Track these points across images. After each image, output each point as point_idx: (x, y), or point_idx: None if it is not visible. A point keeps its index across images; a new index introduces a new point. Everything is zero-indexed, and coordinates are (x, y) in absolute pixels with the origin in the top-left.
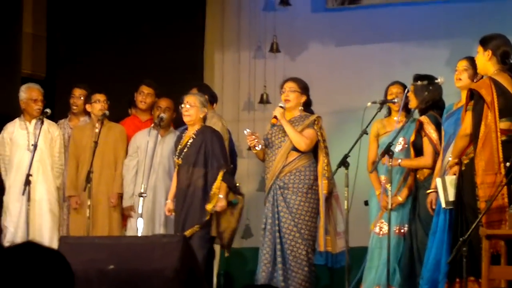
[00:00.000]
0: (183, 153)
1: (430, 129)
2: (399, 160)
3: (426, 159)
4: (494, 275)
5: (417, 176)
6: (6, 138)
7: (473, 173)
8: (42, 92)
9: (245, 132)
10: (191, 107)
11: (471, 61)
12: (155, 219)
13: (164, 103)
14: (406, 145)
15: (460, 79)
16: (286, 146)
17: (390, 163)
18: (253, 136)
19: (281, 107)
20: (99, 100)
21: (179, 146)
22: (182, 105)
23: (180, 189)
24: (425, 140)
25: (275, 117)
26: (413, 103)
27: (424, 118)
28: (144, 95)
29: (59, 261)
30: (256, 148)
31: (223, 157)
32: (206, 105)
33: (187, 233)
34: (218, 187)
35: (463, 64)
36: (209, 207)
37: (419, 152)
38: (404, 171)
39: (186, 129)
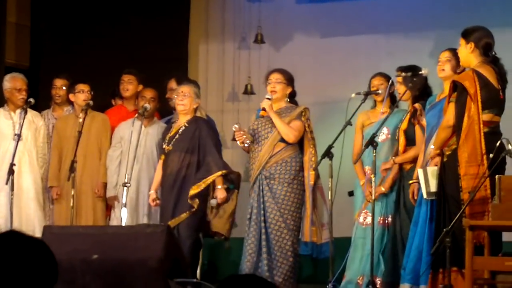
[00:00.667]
0: (173, 140)
1: (422, 117)
2: (392, 159)
3: (418, 148)
4: (477, 266)
5: (403, 165)
6: None
7: (455, 164)
8: (26, 82)
9: (233, 128)
10: (186, 96)
11: (454, 52)
12: (138, 209)
13: (148, 93)
14: (389, 135)
15: (443, 70)
16: (273, 137)
17: (386, 167)
18: (241, 132)
19: (268, 99)
20: (83, 90)
21: (169, 134)
22: (176, 95)
23: (170, 175)
24: (417, 128)
25: (263, 109)
26: (401, 93)
27: (418, 105)
28: (124, 83)
29: (42, 250)
30: (245, 144)
31: (219, 153)
32: (199, 97)
33: (174, 221)
34: (208, 183)
35: (445, 55)
36: (192, 191)
37: (410, 140)
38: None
39: (172, 119)
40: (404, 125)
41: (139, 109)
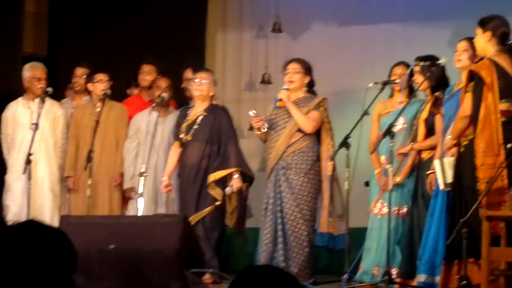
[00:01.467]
0: (192, 130)
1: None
2: (411, 144)
3: (437, 137)
4: (494, 257)
5: (422, 155)
6: (9, 117)
7: (472, 154)
8: (46, 71)
9: (250, 113)
10: (203, 83)
11: (471, 42)
12: (157, 200)
13: (163, 82)
14: (406, 125)
15: (459, 60)
16: (290, 127)
17: (402, 152)
18: (258, 118)
19: (285, 89)
20: (102, 79)
21: (185, 122)
22: (196, 80)
23: (191, 166)
24: (437, 118)
25: (281, 99)
26: (420, 83)
27: (439, 94)
28: (144, 73)
29: (61, 239)
30: (262, 130)
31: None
32: (216, 85)
33: (197, 215)
34: (222, 176)
35: (462, 45)
36: (209, 180)
37: (431, 130)
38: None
39: (189, 106)
40: (424, 114)
41: (154, 99)
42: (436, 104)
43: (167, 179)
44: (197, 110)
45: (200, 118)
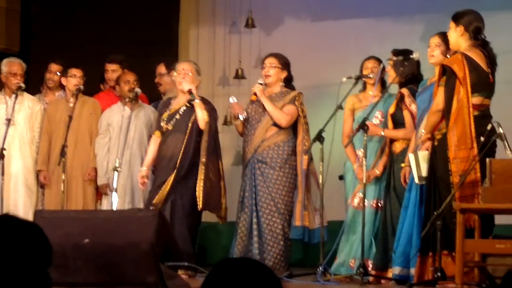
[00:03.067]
0: (173, 120)
1: (409, 102)
2: (382, 132)
3: (408, 131)
4: (468, 249)
5: (392, 149)
6: None
7: (446, 148)
8: (23, 67)
9: (230, 100)
10: (188, 74)
11: (443, 36)
12: (134, 194)
13: (131, 76)
14: (383, 119)
15: (433, 56)
16: (266, 120)
17: (370, 133)
18: (238, 105)
19: (260, 84)
20: (75, 75)
21: (167, 111)
22: (177, 72)
23: (167, 157)
24: (406, 113)
25: (255, 94)
26: (392, 77)
27: (405, 90)
28: (109, 72)
29: (35, 233)
30: (240, 117)
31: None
32: (200, 74)
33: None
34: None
35: (435, 41)
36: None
37: (397, 124)
38: (380, 144)
39: (171, 97)
40: (391, 109)
41: (122, 93)
42: (402, 100)
43: (146, 169)
44: (180, 101)
45: (183, 108)
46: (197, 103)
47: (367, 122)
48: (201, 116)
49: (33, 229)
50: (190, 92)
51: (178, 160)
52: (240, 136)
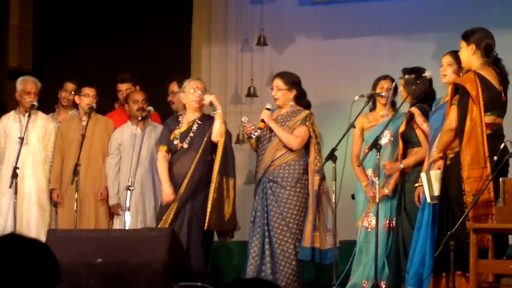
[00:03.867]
0: (187, 138)
1: (421, 121)
2: (401, 165)
3: (424, 150)
4: (481, 269)
5: (404, 169)
6: (0, 130)
7: (458, 167)
8: (37, 86)
9: (243, 120)
10: (202, 92)
11: (455, 55)
12: (146, 212)
13: (139, 96)
14: (392, 138)
15: (445, 75)
16: (276, 141)
17: (389, 172)
18: (250, 124)
19: (268, 109)
20: (88, 94)
21: (177, 129)
22: (192, 89)
23: (182, 175)
24: (419, 132)
25: (263, 120)
26: (404, 96)
27: (414, 110)
28: (123, 92)
29: (43, 252)
30: (253, 135)
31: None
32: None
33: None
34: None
35: (447, 60)
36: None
37: (408, 143)
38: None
39: (179, 114)
40: (401, 128)
41: (131, 113)
42: (413, 118)
43: (169, 187)
44: (190, 118)
45: (195, 126)
46: (219, 113)
47: (384, 163)
48: (219, 127)
49: (40, 247)
50: (211, 104)
51: (188, 178)
52: (255, 153)
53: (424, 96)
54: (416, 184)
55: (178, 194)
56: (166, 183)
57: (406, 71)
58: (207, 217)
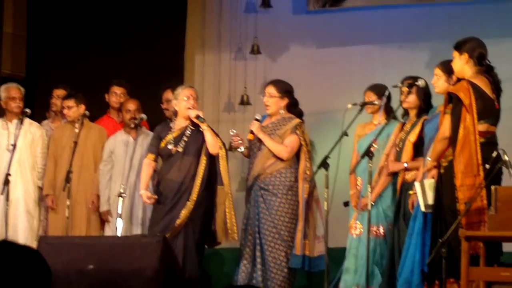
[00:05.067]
0: (181, 142)
1: None
2: (405, 164)
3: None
4: (473, 276)
5: (406, 177)
6: None
7: (452, 175)
8: (21, 91)
9: (231, 132)
10: (195, 100)
11: (443, 66)
12: (132, 220)
13: (132, 105)
14: (377, 146)
15: (437, 86)
16: (266, 149)
17: (392, 170)
18: (238, 137)
19: (257, 120)
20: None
21: (170, 134)
22: (186, 97)
23: (178, 180)
24: None
25: (251, 132)
26: (412, 103)
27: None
28: (117, 96)
29: (35, 259)
30: (239, 149)
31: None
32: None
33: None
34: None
35: (436, 72)
36: None
37: (419, 153)
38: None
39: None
40: (413, 137)
41: (125, 121)
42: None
43: (146, 192)
44: (182, 125)
45: (188, 131)
46: (205, 129)
47: (388, 161)
48: (213, 142)
49: (32, 254)
50: (198, 117)
51: (197, 189)
52: (248, 159)
53: (428, 103)
54: (410, 192)
55: (178, 200)
56: (142, 188)
57: (408, 79)
58: (235, 231)
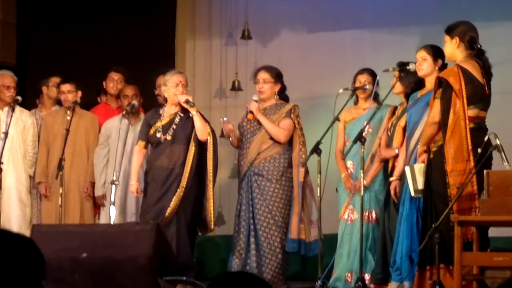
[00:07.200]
0: (170, 130)
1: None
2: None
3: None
4: (466, 262)
5: (395, 164)
6: None
7: (442, 160)
8: (15, 79)
9: (221, 120)
10: (185, 86)
11: (428, 49)
12: (126, 208)
13: (130, 90)
14: (371, 130)
15: (422, 69)
16: (261, 134)
17: (384, 157)
18: (230, 125)
19: (255, 101)
20: (70, 90)
21: (158, 122)
22: (176, 84)
23: (168, 168)
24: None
25: (251, 111)
26: (397, 89)
27: None
28: (115, 81)
29: (28, 247)
30: (231, 137)
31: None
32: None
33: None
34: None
35: (421, 55)
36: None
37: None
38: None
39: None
40: (402, 122)
41: (123, 107)
42: None
43: (137, 183)
44: (171, 111)
45: (177, 118)
46: (194, 114)
47: (380, 150)
48: (202, 127)
49: (25, 242)
50: (187, 101)
51: (186, 175)
52: (236, 149)
53: (416, 87)
54: (391, 178)
55: (169, 188)
56: (133, 179)
57: (400, 64)
58: (212, 220)
